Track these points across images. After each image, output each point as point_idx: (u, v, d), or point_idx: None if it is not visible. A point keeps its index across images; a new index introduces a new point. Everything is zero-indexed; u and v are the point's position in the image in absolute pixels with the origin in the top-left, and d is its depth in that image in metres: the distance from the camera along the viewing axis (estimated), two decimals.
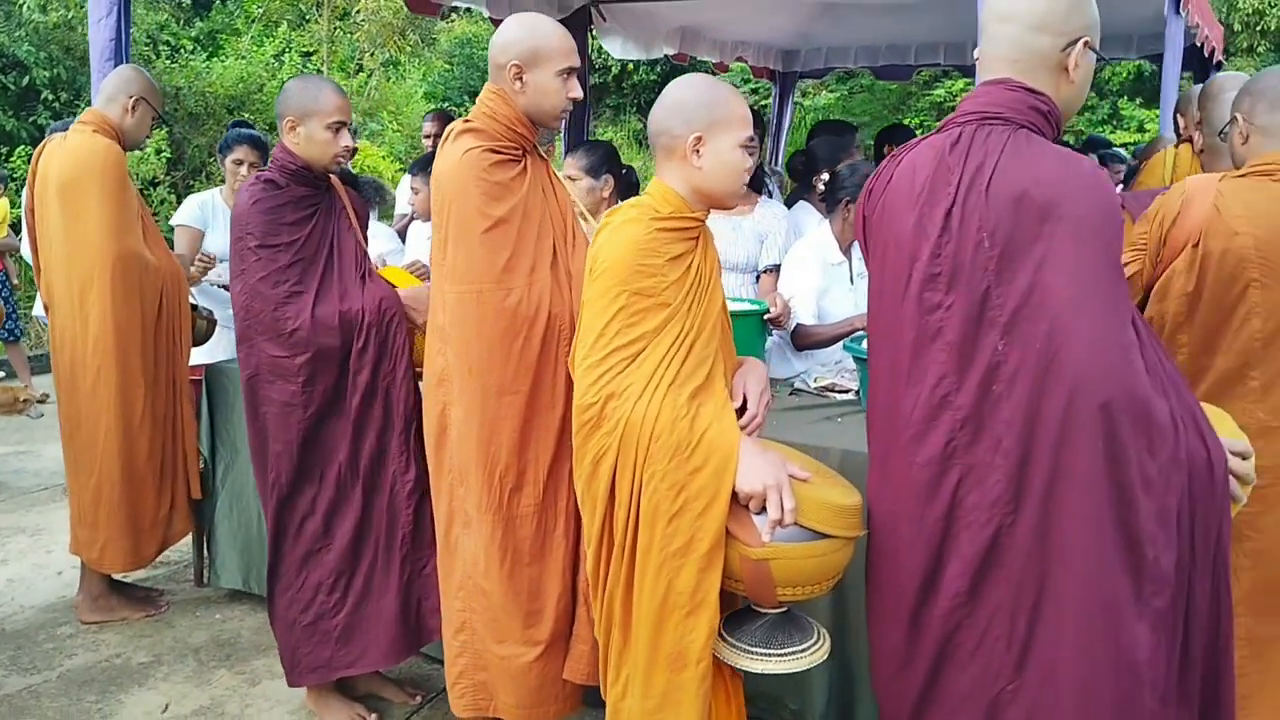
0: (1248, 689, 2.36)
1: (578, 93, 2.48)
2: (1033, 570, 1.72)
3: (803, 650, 2.02)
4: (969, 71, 8.48)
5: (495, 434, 2.40)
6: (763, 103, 15.99)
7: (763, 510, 1.90)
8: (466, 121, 2.48)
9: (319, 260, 2.89)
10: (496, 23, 6.08)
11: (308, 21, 13.24)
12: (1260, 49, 19.27)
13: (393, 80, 13.90)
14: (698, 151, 2.05)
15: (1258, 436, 2.23)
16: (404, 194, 4.93)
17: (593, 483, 2.02)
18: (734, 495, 1.91)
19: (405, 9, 6.23)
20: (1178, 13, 4.77)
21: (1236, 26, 19.12)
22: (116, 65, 3.91)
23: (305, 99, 2.89)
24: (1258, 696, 2.38)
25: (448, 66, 15.03)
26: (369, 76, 13.16)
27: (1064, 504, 1.67)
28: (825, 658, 2.04)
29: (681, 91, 2.08)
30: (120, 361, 3.51)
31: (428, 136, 5.13)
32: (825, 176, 3.78)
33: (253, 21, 13.05)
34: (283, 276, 2.82)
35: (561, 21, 6.15)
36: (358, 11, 12.40)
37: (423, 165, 4.17)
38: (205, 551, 3.92)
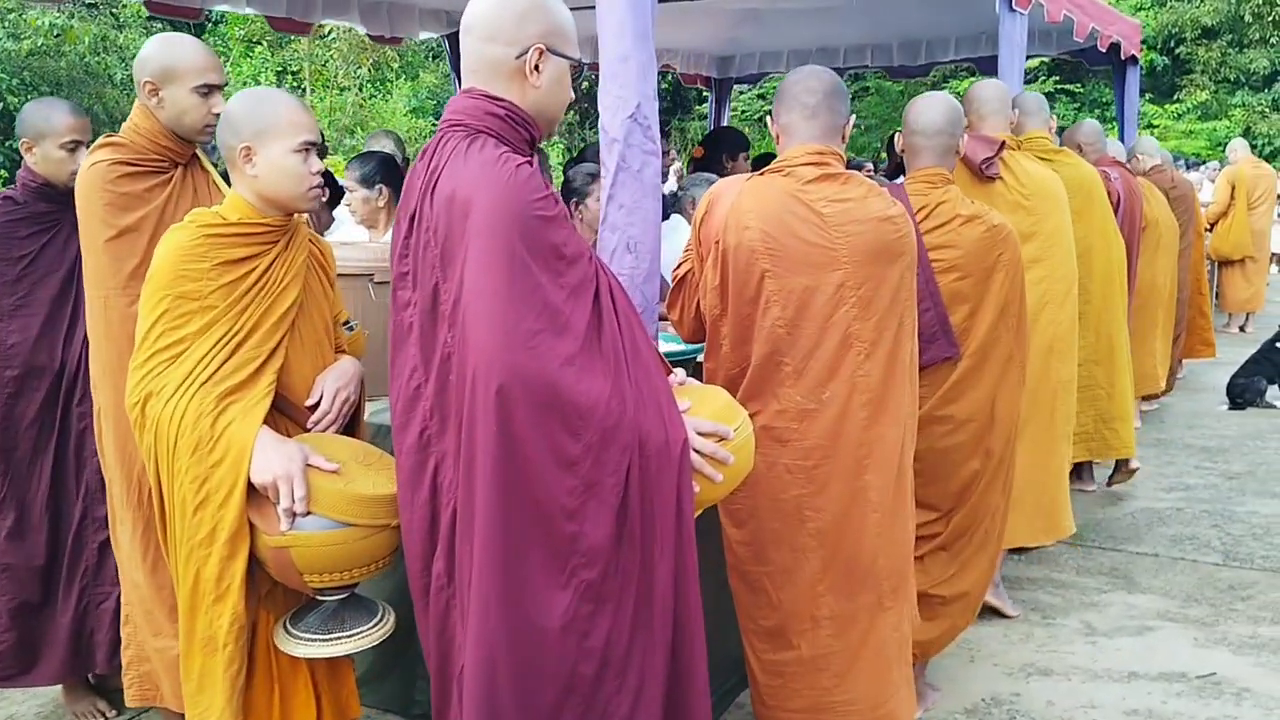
0: (840, 665, 2.44)
1: (220, 108, 2.58)
2: (466, 547, 1.82)
3: (354, 634, 2.14)
4: (983, 66, 8.48)
5: (130, 435, 2.51)
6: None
7: None
8: (109, 136, 2.60)
9: (53, 279, 2.98)
10: (375, 38, 6.23)
11: (288, 42, 13.57)
12: (1273, 40, 18.89)
13: (378, 98, 14.20)
14: (250, 160, 2.16)
15: (798, 419, 2.38)
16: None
17: (149, 478, 2.13)
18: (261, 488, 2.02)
19: None
20: (1011, 9, 4.77)
21: (1248, 18, 18.77)
22: None
23: (38, 121, 3.00)
24: (851, 672, 2.44)
25: (438, 82, 15.29)
26: (344, 93, 13.48)
27: (476, 483, 1.76)
28: (384, 637, 2.17)
29: (231, 105, 2.23)
30: None
31: None
32: None
33: (235, 43, 13.43)
34: (9, 290, 2.95)
35: (453, 35, 6.40)
36: (330, 31, 12.69)
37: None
38: None
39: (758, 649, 2.51)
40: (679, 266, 2.67)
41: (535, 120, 1.94)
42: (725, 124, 9.04)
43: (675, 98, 18.10)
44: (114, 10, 11.30)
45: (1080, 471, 5.11)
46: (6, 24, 10.17)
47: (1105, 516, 4.82)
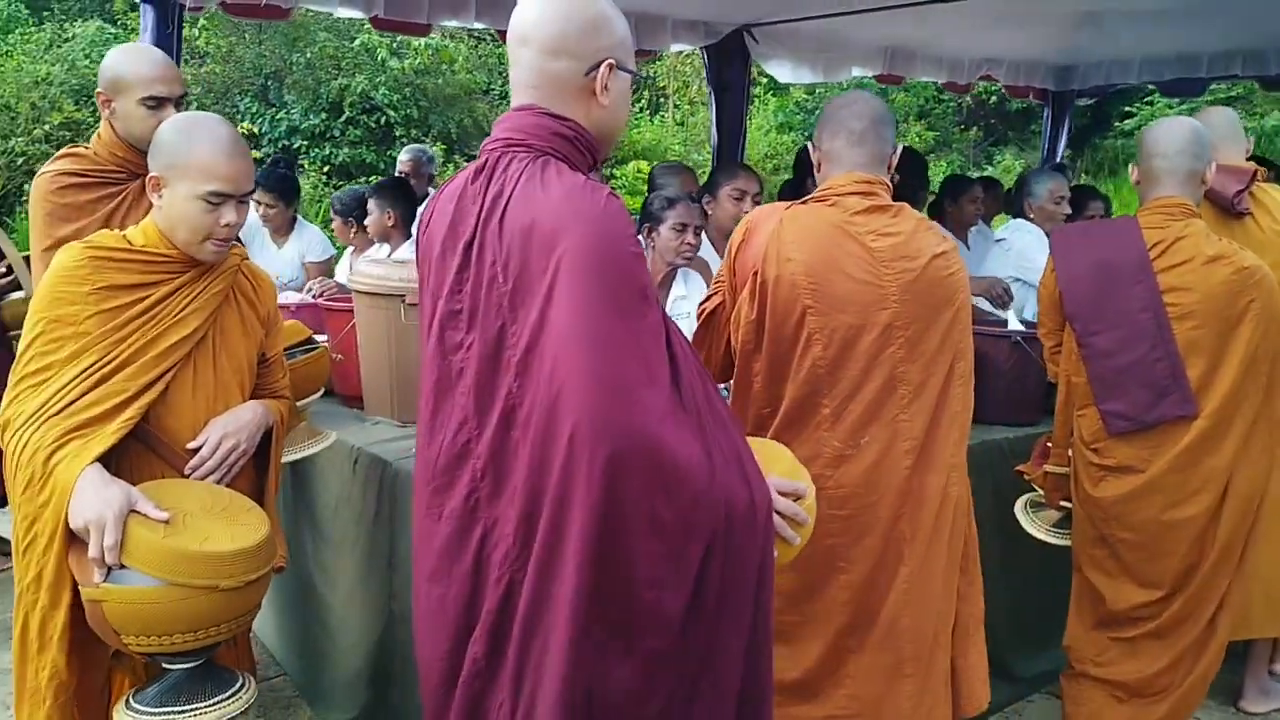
0: None
1: None
2: (535, 626, 1.61)
3: (188, 710, 1.92)
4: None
5: None
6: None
7: None
8: (73, 145, 2.66)
9: None
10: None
11: (650, 63, 13.87)
12: None
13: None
14: (158, 192, 2.07)
15: (833, 465, 2.22)
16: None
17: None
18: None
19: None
20: None
21: None
22: None
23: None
24: None
25: (805, 98, 14.95)
26: (698, 111, 13.53)
27: (563, 553, 1.56)
28: (231, 714, 1.94)
29: (163, 126, 2.12)
30: None
31: (402, 171, 5.39)
32: None
33: None
34: None
35: (712, 47, 6.11)
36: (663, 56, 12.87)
37: (379, 188, 4.37)
38: None
39: (778, 702, 2.23)
40: (706, 300, 2.47)
41: (598, 142, 1.75)
42: (1063, 143, 7.98)
43: (1002, 114, 16.50)
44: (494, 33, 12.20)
45: None
46: (395, 44, 11.29)
47: None
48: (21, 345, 2.02)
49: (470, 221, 1.66)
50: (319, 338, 3.46)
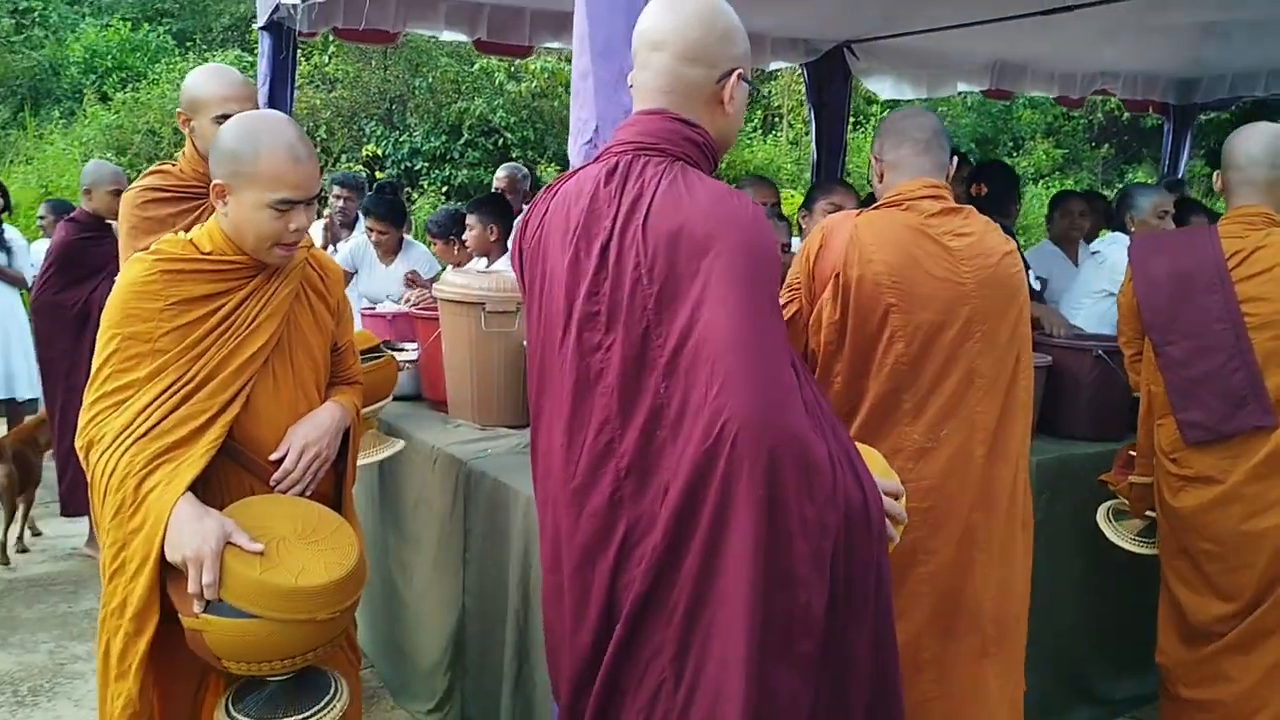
0: (942, 713, 2.29)
1: None
2: (698, 617, 1.63)
3: (302, 716, 1.96)
4: None
5: None
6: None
7: None
8: (161, 163, 2.80)
9: None
10: None
11: (766, 79, 13.91)
12: None
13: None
14: (223, 199, 2.01)
15: (914, 458, 2.28)
16: None
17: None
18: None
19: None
20: None
21: None
22: None
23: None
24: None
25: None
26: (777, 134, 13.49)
27: (725, 550, 1.58)
28: (337, 716, 1.98)
29: (223, 131, 2.07)
30: None
31: (498, 187, 5.54)
32: None
33: None
34: None
35: (812, 64, 6.11)
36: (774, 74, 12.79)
37: (479, 204, 4.48)
38: None
39: None
40: (785, 305, 2.44)
41: (719, 149, 1.81)
42: (1185, 158, 7.69)
43: (1135, 130, 15.85)
44: None
45: None
46: (512, 67, 11.58)
47: None
48: (96, 362, 1.97)
49: (605, 224, 1.67)
50: (409, 346, 3.62)
